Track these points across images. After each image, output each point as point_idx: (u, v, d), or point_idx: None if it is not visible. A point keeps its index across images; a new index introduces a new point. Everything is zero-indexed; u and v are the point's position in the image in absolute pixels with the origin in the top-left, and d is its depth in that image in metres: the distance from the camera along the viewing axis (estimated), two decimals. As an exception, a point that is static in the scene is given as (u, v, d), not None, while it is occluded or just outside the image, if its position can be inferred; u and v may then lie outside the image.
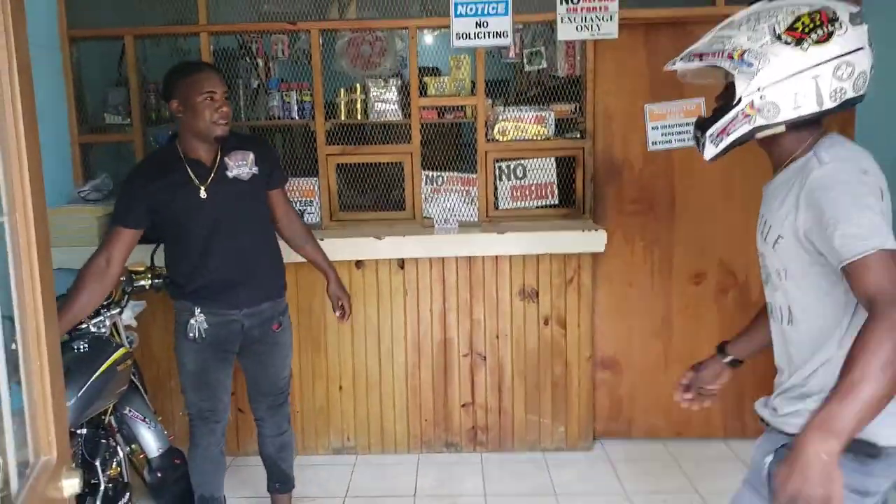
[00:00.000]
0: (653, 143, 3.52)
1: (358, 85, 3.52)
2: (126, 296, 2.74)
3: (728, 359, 1.92)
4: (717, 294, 3.66)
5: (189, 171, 2.51)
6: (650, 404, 3.72)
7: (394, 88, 3.47)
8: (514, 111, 3.51)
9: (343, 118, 3.56)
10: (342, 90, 3.54)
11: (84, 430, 2.50)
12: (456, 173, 3.55)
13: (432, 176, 3.54)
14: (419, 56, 3.48)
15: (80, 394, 2.35)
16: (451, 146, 3.77)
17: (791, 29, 1.38)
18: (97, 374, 2.44)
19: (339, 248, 3.33)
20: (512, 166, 3.55)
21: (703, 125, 1.54)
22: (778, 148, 1.52)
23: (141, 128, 3.48)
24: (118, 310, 2.72)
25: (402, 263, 3.49)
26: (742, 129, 1.46)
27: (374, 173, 3.60)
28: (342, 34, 3.51)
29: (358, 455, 3.67)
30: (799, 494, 1.22)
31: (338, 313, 2.89)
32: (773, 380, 3.82)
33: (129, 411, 2.80)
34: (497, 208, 3.60)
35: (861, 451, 1.36)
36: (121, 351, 2.60)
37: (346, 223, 3.58)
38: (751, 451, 1.59)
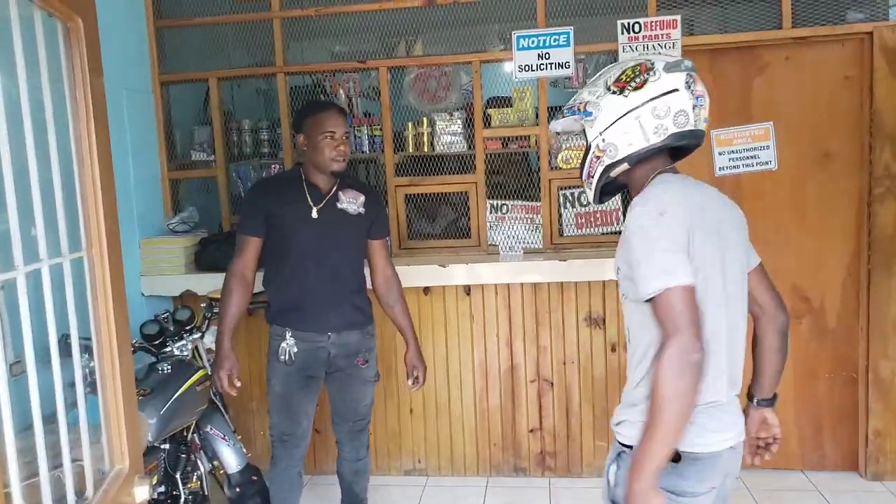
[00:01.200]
0: (720, 169, 3.44)
1: (425, 118, 3.61)
2: (206, 321, 2.89)
3: (756, 401, 1.88)
4: (792, 321, 3.49)
5: (306, 191, 2.71)
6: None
7: (458, 121, 3.53)
8: (577, 139, 3.51)
9: (411, 150, 3.65)
10: (410, 124, 3.63)
11: (167, 446, 2.64)
12: (520, 201, 3.57)
13: (497, 204, 3.57)
14: (486, 86, 3.54)
15: (161, 412, 2.49)
16: (516, 175, 3.79)
17: (617, 80, 1.61)
18: (177, 394, 2.58)
19: (407, 276, 3.39)
20: (576, 194, 3.54)
21: (580, 173, 1.74)
22: (632, 184, 1.69)
23: (224, 164, 3.67)
24: (199, 334, 2.87)
25: (468, 290, 3.53)
26: (599, 170, 1.65)
27: (440, 203, 3.67)
28: (409, 70, 3.62)
29: (428, 477, 3.70)
30: None
31: (410, 381, 2.95)
32: (849, 410, 3.62)
33: (211, 429, 2.92)
34: (562, 235, 3.58)
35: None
36: (200, 373, 2.74)
37: (415, 251, 3.65)
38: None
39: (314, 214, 2.69)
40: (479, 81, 3.49)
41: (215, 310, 2.88)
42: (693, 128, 1.60)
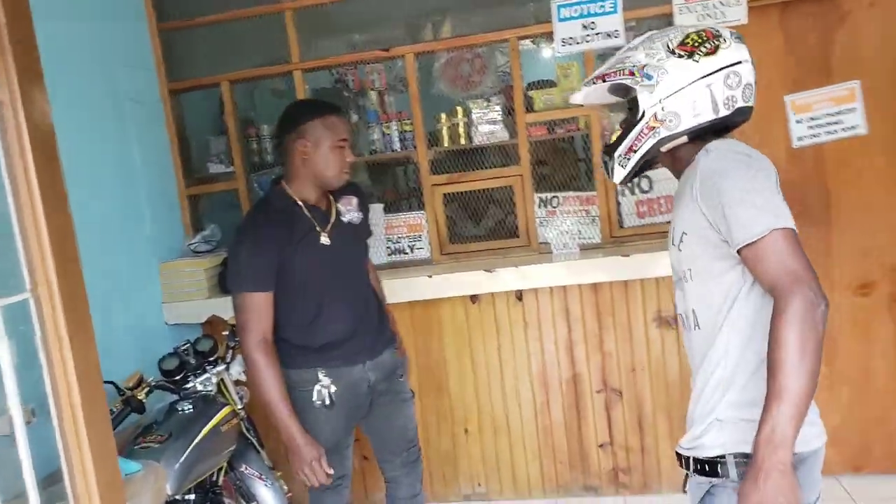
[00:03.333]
0: (798, 139, 2.94)
1: (459, 108, 3.21)
2: (230, 351, 2.57)
3: None
4: (892, 305, 3.02)
5: (310, 217, 2.25)
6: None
7: (497, 107, 3.13)
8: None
9: (446, 145, 3.26)
10: (443, 115, 3.25)
11: (192, 496, 2.31)
12: (572, 192, 3.15)
13: (546, 198, 3.15)
14: (525, 69, 3.13)
15: (181, 460, 2.17)
16: (565, 164, 3.36)
17: (682, 44, 1.44)
18: (199, 437, 2.27)
19: (451, 284, 3.03)
20: (636, 179, 3.10)
21: (610, 149, 1.53)
22: (678, 161, 1.52)
23: (244, 174, 3.34)
24: (224, 366, 2.55)
25: (520, 295, 3.12)
26: (648, 143, 1.45)
27: (485, 201, 3.27)
28: (439, 55, 3.22)
29: (491, 502, 3.30)
30: None
31: None
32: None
33: (246, 469, 2.62)
34: (622, 227, 3.15)
35: None
36: (225, 410, 2.43)
37: (458, 256, 3.26)
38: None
39: (325, 240, 2.24)
40: (518, 61, 3.07)
41: (238, 338, 2.55)
42: (751, 104, 1.46)
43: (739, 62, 1.43)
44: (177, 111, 3.32)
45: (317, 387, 2.26)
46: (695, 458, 1.44)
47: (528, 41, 3.16)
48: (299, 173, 2.23)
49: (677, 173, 1.55)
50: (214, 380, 2.50)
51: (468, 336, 3.18)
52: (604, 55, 3.19)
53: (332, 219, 2.29)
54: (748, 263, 1.30)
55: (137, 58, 3.18)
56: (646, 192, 3.10)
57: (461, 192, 3.26)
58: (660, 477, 3.16)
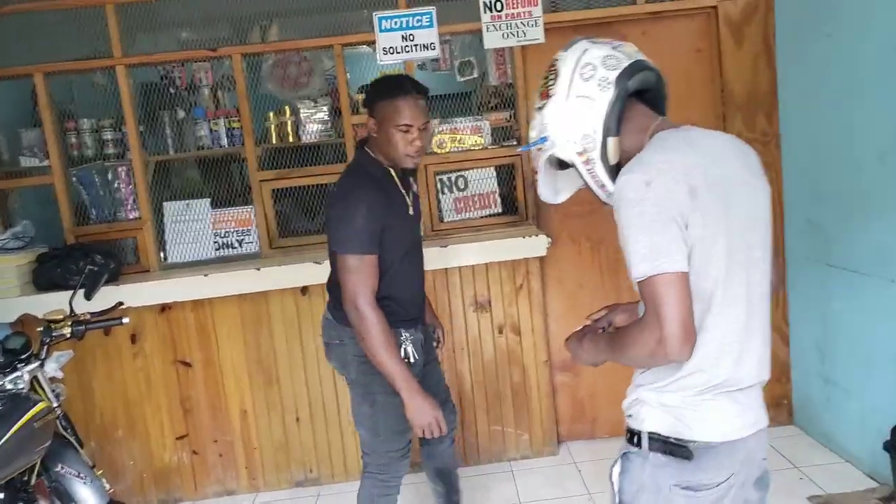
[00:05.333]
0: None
1: (287, 107, 3.16)
2: (45, 347, 2.33)
3: None
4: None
5: (400, 186, 2.23)
6: (612, 401, 3.31)
7: (325, 108, 3.12)
8: (449, 123, 3.19)
9: (274, 142, 3.20)
10: (270, 113, 3.18)
11: (1, 495, 2.08)
12: (397, 189, 3.21)
13: (373, 194, 3.19)
14: (353, 72, 3.15)
15: (-14, 459, 1.94)
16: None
17: (539, 96, 1.44)
18: (9, 434, 2.03)
19: (281, 277, 2.97)
20: (453, 178, 3.23)
21: (599, 200, 1.48)
22: (630, 156, 1.38)
23: (61, 168, 3.05)
24: (38, 363, 2.30)
25: (348, 285, 3.12)
26: (600, 171, 1.40)
27: (318, 196, 3.23)
28: (266, 57, 3.15)
29: (322, 486, 3.26)
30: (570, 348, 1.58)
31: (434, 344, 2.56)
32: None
33: (62, 468, 2.37)
34: (442, 221, 3.26)
35: (679, 453, 1.34)
36: (39, 406, 2.19)
37: (288, 249, 3.20)
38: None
39: (410, 211, 2.27)
40: (343, 66, 3.08)
41: (54, 333, 2.33)
42: (631, 60, 1.36)
43: (580, 56, 1.37)
44: (-18, 102, 2.98)
45: (403, 345, 2.23)
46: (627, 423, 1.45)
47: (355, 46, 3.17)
48: (375, 144, 2.19)
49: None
50: (27, 377, 2.25)
51: (299, 327, 3.13)
52: (423, 65, 3.31)
53: (410, 192, 2.30)
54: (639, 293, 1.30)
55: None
56: (462, 190, 3.23)
57: (294, 188, 3.21)
58: (478, 448, 3.29)
